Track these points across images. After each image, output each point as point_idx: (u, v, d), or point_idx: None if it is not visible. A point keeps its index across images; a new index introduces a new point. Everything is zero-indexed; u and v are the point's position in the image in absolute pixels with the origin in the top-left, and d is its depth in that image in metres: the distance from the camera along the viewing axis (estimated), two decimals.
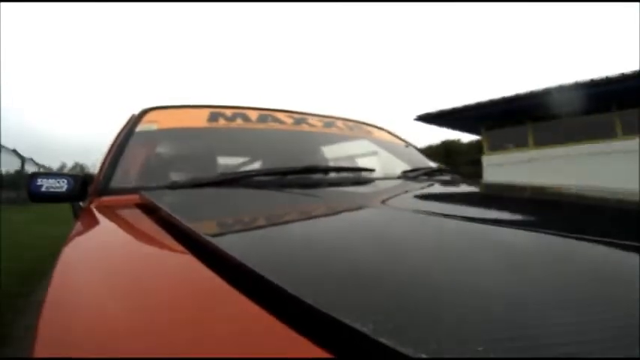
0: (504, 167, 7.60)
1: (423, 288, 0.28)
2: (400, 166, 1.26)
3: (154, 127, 1.13)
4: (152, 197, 0.66)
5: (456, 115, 8.11)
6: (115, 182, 0.89)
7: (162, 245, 0.47)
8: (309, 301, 0.24)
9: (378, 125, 1.66)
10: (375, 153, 1.47)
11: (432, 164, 1.41)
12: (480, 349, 0.19)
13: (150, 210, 0.61)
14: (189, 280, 0.34)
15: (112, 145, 1.09)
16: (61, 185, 0.93)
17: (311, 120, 1.41)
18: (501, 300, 0.25)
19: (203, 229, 0.43)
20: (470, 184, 1.19)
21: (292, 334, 0.23)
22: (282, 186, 0.87)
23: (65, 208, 2.20)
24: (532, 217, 0.59)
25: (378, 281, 0.29)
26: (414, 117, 8.60)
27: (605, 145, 6.57)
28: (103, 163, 1.02)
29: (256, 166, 1.31)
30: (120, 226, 0.65)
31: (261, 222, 0.57)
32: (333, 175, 1.05)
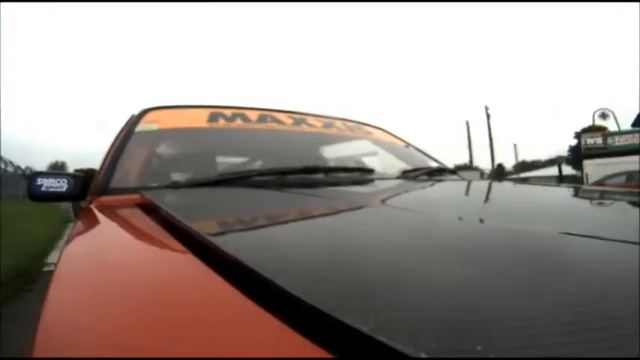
0: None
1: (422, 288, 0.28)
2: (400, 166, 1.26)
3: (154, 127, 1.13)
4: (152, 197, 0.66)
5: None
6: (116, 182, 0.89)
7: (162, 245, 0.47)
8: (310, 300, 0.24)
9: (378, 125, 1.66)
10: (375, 153, 1.47)
11: (433, 164, 1.41)
12: (479, 348, 0.19)
13: (150, 210, 0.61)
14: (190, 279, 0.34)
15: (112, 145, 1.09)
16: (62, 185, 0.94)
17: (311, 120, 1.41)
18: (502, 300, 0.25)
19: (203, 228, 0.43)
20: (470, 184, 1.19)
21: (292, 334, 0.23)
22: (281, 186, 0.87)
23: None
24: (532, 216, 0.59)
25: (378, 281, 0.29)
26: None
27: None
28: (103, 163, 1.02)
29: (256, 166, 1.31)
30: (120, 225, 0.65)
31: (261, 222, 0.57)
32: (332, 175, 1.05)
